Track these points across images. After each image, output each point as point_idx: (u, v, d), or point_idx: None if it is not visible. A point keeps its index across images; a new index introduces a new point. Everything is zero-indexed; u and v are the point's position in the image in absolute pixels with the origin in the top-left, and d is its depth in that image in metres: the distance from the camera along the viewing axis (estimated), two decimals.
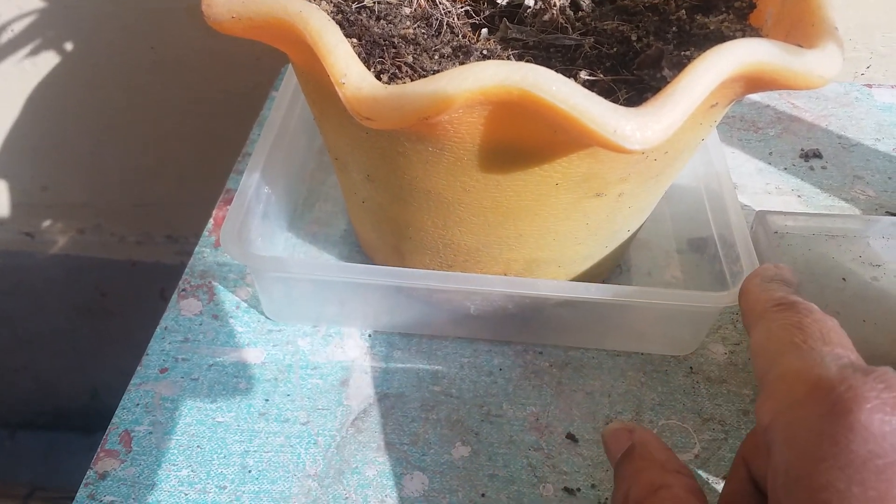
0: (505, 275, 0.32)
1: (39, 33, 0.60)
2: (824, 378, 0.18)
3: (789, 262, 0.37)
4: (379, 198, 0.31)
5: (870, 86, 0.52)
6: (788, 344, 0.20)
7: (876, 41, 0.55)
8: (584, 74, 0.25)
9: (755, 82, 0.23)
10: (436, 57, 0.26)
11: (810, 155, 0.45)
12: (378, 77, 0.25)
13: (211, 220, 0.41)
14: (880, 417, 0.17)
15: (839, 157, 0.45)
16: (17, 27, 0.59)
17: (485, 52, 0.27)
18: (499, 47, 0.27)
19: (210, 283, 0.37)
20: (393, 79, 0.25)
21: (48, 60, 0.62)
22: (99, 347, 0.91)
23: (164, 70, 0.62)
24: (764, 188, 0.43)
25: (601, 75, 0.25)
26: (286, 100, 0.38)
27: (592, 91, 0.25)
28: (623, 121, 0.20)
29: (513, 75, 0.20)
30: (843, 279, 0.36)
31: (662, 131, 0.20)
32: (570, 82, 0.20)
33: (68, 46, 0.60)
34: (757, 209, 0.38)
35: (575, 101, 0.20)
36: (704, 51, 0.21)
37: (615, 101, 0.25)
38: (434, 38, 0.28)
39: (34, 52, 0.61)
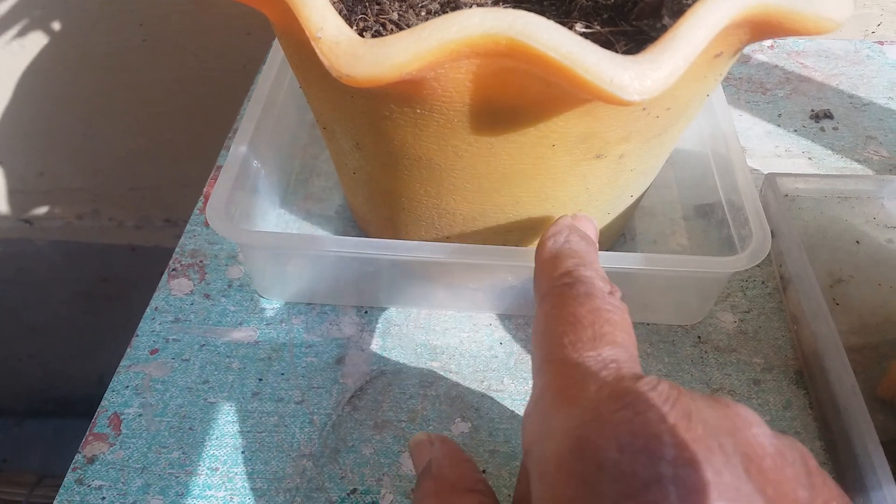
0: (504, 245, 0.31)
1: (26, 13, 0.58)
2: (574, 413, 0.17)
3: (801, 226, 0.35)
4: (369, 167, 0.29)
5: (881, 43, 0.50)
6: (557, 346, 0.19)
7: None
8: (579, 27, 0.24)
9: (761, 27, 0.21)
10: (422, 13, 0.25)
11: (821, 116, 0.44)
12: (361, 35, 0.24)
13: (201, 198, 0.40)
14: (630, 454, 0.16)
15: (851, 118, 0.44)
16: (4, 7, 0.58)
17: (474, 6, 0.25)
18: (490, 2, 0.26)
19: (201, 262, 0.36)
20: (377, 37, 0.23)
21: (36, 41, 0.60)
22: (103, 333, 0.91)
23: (153, 48, 0.61)
24: (773, 151, 0.42)
25: (598, 27, 0.24)
26: (274, 71, 0.37)
27: None
28: (620, 69, 0.19)
29: (500, 23, 0.19)
30: (857, 242, 0.35)
31: (663, 80, 0.19)
32: (563, 29, 0.19)
33: (56, 26, 0.59)
34: (766, 173, 0.37)
35: (567, 49, 0.19)
36: None
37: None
38: None
39: (22, 33, 0.59)
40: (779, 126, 0.43)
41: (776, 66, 0.48)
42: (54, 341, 0.92)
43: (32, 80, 0.63)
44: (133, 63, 0.62)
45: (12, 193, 0.74)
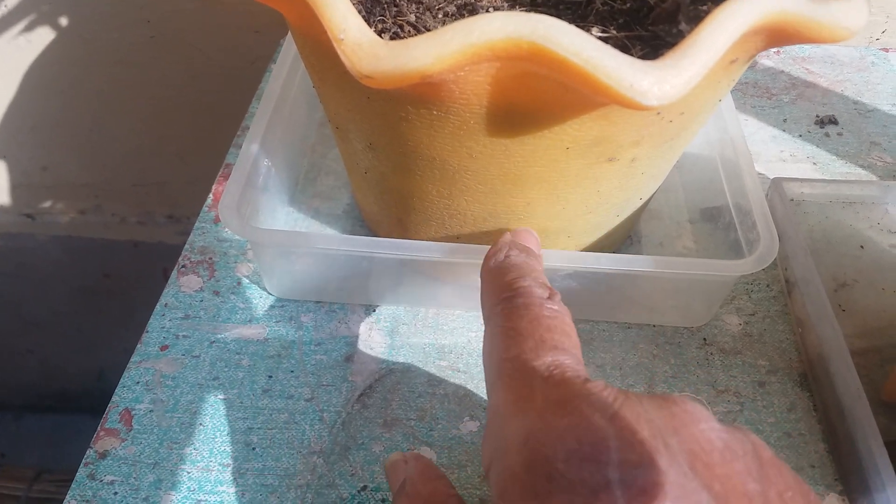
0: None
1: (34, 7, 0.58)
2: (523, 425, 0.17)
3: (806, 230, 0.36)
4: (381, 167, 0.30)
5: (886, 50, 0.50)
6: (502, 361, 0.19)
7: (892, 4, 0.53)
8: (595, 31, 0.24)
9: (778, 34, 0.21)
10: (440, 15, 0.25)
11: (826, 121, 0.44)
12: (379, 36, 0.24)
13: (210, 196, 0.40)
14: (577, 462, 0.16)
15: (855, 123, 0.44)
16: (11, 2, 0.58)
17: (491, 9, 0.26)
18: (506, 4, 0.26)
19: (210, 259, 0.37)
20: (395, 38, 0.24)
21: (43, 36, 0.60)
22: (104, 329, 0.91)
23: (161, 45, 0.61)
24: (778, 156, 0.42)
25: (614, 32, 0.24)
26: (284, 70, 0.37)
27: None
28: (640, 74, 0.19)
29: (522, 28, 0.19)
30: (861, 247, 0.35)
31: (682, 86, 0.19)
32: (584, 34, 0.19)
33: (63, 21, 0.59)
34: (772, 177, 0.37)
35: (588, 53, 0.19)
36: (722, 4, 0.20)
37: None
38: None
39: (29, 28, 0.59)
40: (784, 131, 0.44)
41: (782, 71, 0.48)
42: (54, 336, 0.92)
43: (39, 75, 0.63)
44: (140, 59, 0.62)
45: (16, 188, 0.74)
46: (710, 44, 0.19)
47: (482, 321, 0.34)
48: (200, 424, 0.30)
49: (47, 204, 0.76)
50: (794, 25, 0.21)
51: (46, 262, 0.82)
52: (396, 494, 0.23)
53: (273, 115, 0.35)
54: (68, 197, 0.75)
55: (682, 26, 0.23)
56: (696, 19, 0.23)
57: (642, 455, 0.16)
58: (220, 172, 0.41)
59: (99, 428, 0.30)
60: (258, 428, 0.30)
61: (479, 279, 0.24)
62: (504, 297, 0.21)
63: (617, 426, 0.16)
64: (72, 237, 0.79)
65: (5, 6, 0.58)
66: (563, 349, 0.19)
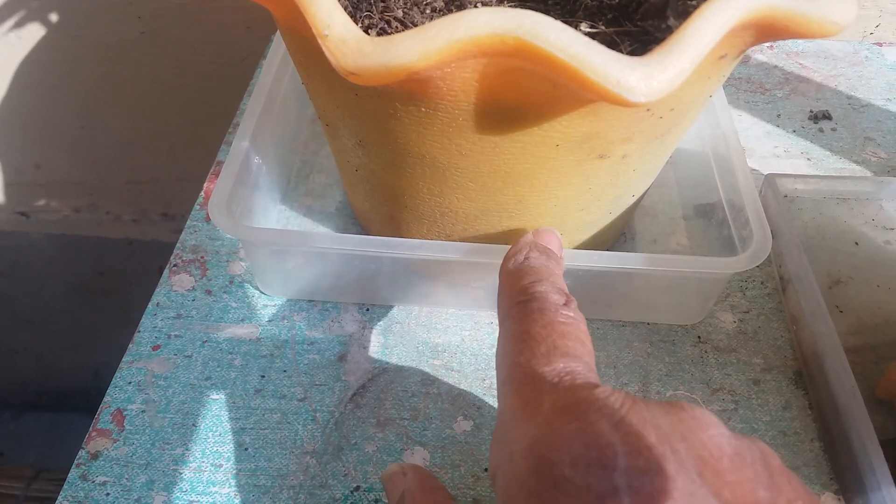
0: (506, 244, 0.31)
1: (24, 4, 0.58)
2: (529, 431, 0.17)
3: (800, 227, 0.35)
4: (372, 165, 0.29)
5: (880, 44, 0.50)
6: (513, 365, 0.19)
7: None
8: (584, 26, 0.24)
9: (767, 29, 0.21)
10: (427, 11, 0.25)
11: (819, 116, 0.44)
12: (366, 32, 0.24)
13: (202, 194, 0.39)
14: (584, 468, 0.16)
15: (849, 119, 0.44)
16: None
17: (479, 4, 0.25)
18: (494, 1, 0.26)
19: (202, 257, 0.36)
20: (382, 34, 0.24)
21: (34, 33, 0.60)
22: (99, 327, 0.90)
23: (151, 41, 0.60)
24: (772, 151, 0.42)
25: (603, 27, 0.24)
26: (274, 67, 0.37)
27: None
28: (627, 70, 0.19)
29: (508, 23, 0.19)
30: (856, 243, 0.35)
31: (669, 82, 0.19)
32: (570, 30, 0.19)
33: (53, 17, 0.59)
34: (766, 173, 0.37)
35: (575, 49, 0.19)
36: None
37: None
38: None
39: (19, 25, 0.59)
40: (778, 126, 0.43)
41: (775, 66, 0.48)
42: (49, 334, 0.92)
43: (30, 72, 0.63)
44: (131, 56, 0.61)
45: (9, 185, 0.74)
46: (697, 39, 0.19)
47: (476, 320, 0.34)
48: (193, 425, 0.30)
49: (41, 202, 0.76)
50: (783, 20, 0.21)
51: (41, 260, 0.81)
52: None
53: (263, 113, 0.35)
54: (62, 194, 0.75)
55: (671, 21, 0.23)
56: (685, 14, 0.23)
57: (650, 461, 0.16)
58: (211, 170, 0.41)
59: (91, 428, 0.30)
60: (251, 428, 0.30)
61: (497, 279, 0.24)
62: (520, 301, 0.21)
63: (624, 431, 0.16)
64: (66, 235, 0.79)
65: None
66: (576, 356, 0.19)
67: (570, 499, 0.16)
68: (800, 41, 0.50)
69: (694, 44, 0.19)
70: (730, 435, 0.17)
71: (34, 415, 0.99)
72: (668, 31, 0.23)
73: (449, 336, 0.33)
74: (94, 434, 0.30)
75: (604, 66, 0.19)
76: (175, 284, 0.35)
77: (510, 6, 0.26)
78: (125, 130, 0.68)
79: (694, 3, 0.24)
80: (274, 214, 0.38)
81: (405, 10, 0.24)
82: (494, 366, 0.32)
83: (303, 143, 0.42)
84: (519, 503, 0.17)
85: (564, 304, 0.21)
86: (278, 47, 0.37)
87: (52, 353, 0.94)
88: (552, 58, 0.19)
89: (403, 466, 0.24)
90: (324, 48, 0.20)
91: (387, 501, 0.25)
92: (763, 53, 0.49)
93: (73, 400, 0.99)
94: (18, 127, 0.68)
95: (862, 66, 0.48)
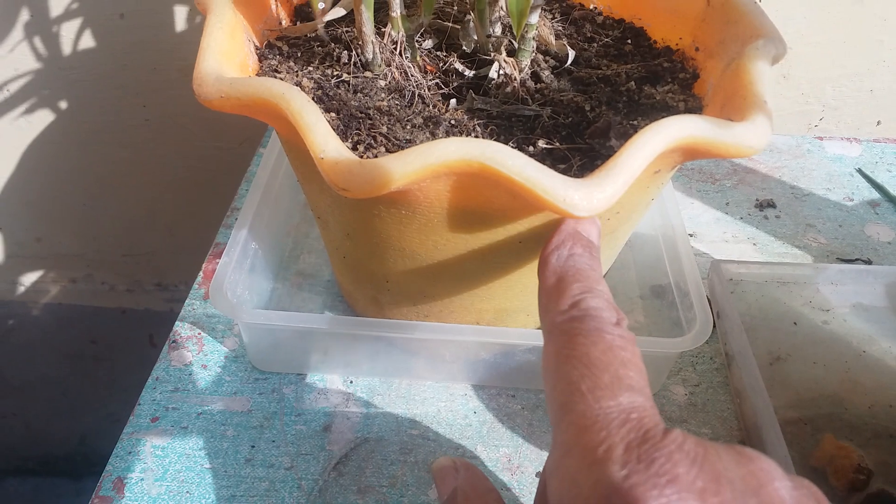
0: (477, 323, 0.34)
1: (34, 93, 0.62)
2: (604, 478, 0.17)
3: (743, 308, 0.39)
4: (358, 253, 0.33)
5: (821, 138, 0.55)
6: (575, 394, 0.19)
7: (828, 95, 0.59)
8: (542, 143, 0.28)
9: (692, 152, 0.25)
10: (408, 127, 0.29)
11: (765, 205, 0.48)
12: (355, 147, 0.28)
13: (200, 273, 0.43)
14: None
15: (792, 207, 0.49)
16: (14, 87, 0.62)
17: (452, 121, 0.29)
18: (465, 117, 0.30)
19: (199, 334, 0.39)
20: (369, 148, 0.27)
21: (43, 118, 0.64)
22: (88, 393, 0.92)
23: (155, 127, 0.65)
24: (721, 236, 0.46)
25: (558, 143, 0.28)
26: (272, 158, 0.41)
27: (549, 158, 0.28)
28: (571, 191, 0.23)
29: (472, 150, 0.23)
30: (795, 323, 0.39)
31: (606, 200, 0.23)
32: (523, 156, 0.23)
33: (62, 105, 0.63)
34: (715, 257, 0.41)
35: (528, 173, 0.22)
36: (651, 119, 0.24)
37: (570, 167, 0.27)
38: (406, 109, 0.30)
39: (30, 111, 0.63)
40: (727, 213, 0.48)
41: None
42: (39, 400, 0.93)
43: (37, 154, 0.67)
44: (135, 140, 0.66)
45: (10, 257, 0.77)
46: (628, 165, 0.23)
47: (451, 391, 0.37)
48: (187, 492, 0.32)
49: (40, 273, 0.78)
50: (703, 146, 0.25)
51: (35, 328, 0.83)
52: (447, 503, 0.23)
53: (261, 201, 0.38)
54: (60, 266, 0.78)
55: (613, 142, 0.27)
56: (625, 135, 0.27)
57: None
58: (210, 251, 0.44)
59: (93, 495, 0.32)
60: (241, 496, 0.32)
61: (537, 274, 0.24)
62: (572, 316, 0.21)
63: (700, 486, 0.16)
64: (62, 305, 0.81)
65: (7, 90, 0.62)
66: (639, 389, 0.19)
67: None
68: None
69: (626, 168, 0.23)
70: (791, 486, 0.18)
71: (17, 479, 0.99)
72: (611, 150, 0.27)
73: (426, 406, 0.36)
74: (96, 501, 0.32)
75: (552, 187, 0.23)
76: (174, 360, 0.38)
77: (479, 123, 0.30)
78: (126, 208, 0.72)
79: (636, 123, 0.28)
80: (267, 292, 0.41)
81: (389, 126, 0.28)
82: (500, 423, 0.34)
83: (295, 226, 0.46)
84: None
85: (617, 323, 0.21)
86: (276, 140, 0.42)
87: (39, 419, 0.95)
88: (510, 179, 0.23)
89: (455, 461, 0.24)
90: (319, 168, 0.24)
91: (437, 493, 0.24)
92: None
93: (57, 465, 0.99)
94: (23, 203, 0.72)
95: (804, 158, 0.53)
